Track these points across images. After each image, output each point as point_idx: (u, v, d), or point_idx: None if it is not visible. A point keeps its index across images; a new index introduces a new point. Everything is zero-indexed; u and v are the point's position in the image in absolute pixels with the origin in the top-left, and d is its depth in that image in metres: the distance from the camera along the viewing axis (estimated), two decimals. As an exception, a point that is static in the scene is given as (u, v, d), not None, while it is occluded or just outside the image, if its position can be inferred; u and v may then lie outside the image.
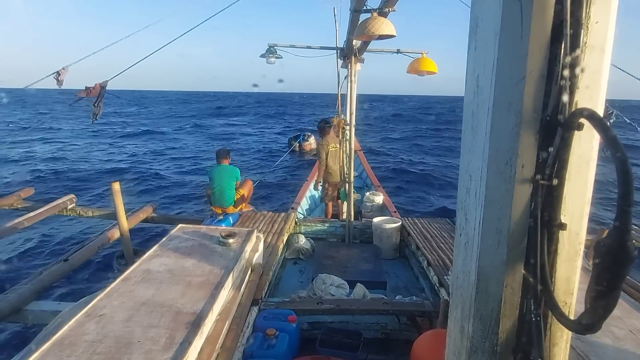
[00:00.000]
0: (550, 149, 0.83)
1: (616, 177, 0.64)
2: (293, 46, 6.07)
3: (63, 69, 4.23)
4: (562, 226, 0.86)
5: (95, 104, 4.22)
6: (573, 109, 0.80)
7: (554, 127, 0.81)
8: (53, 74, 4.17)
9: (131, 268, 2.78)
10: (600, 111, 0.81)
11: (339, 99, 6.64)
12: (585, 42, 0.79)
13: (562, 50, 0.78)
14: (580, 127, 0.79)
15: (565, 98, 0.79)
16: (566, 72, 0.79)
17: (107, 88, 4.24)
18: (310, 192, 7.88)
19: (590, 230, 0.94)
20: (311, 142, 16.11)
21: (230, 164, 5.79)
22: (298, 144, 15.62)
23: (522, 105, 0.82)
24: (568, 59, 0.78)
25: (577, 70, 0.79)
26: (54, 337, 1.98)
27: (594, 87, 0.82)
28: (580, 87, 0.80)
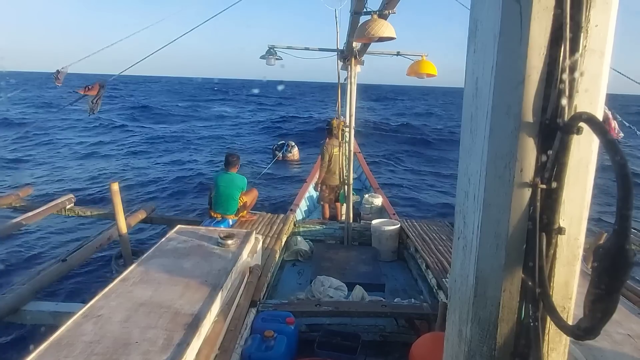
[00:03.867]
0: (549, 153, 0.82)
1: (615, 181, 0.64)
2: (293, 48, 6.08)
3: (63, 68, 4.26)
4: (561, 230, 0.85)
5: (94, 101, 4.26)
6: (572, 113, 0.80)
7: (553, 130, 0.81)
8: (53, 73, 4.20)
9: (130, 269, 2.77)
10: (600, 115, 0.81)
11: (339, 100, 6.64)
12: (585, 46, 0.79)
13: (562, 53, 0.78)
14: (579, 131, 0.79)
15: (564, 101, 0.79)
16: (565, 76, 0.78)
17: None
18: (310, 193, 7.87)
19: (588, 233, 0.94)
20: (294, 154, 16.17)
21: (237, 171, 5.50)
22: (282, 155, 15.65)
23: (521, 108, 0.81)
24: (567, 62, 0.78)
25: (577, 74, 0.79)
26: (52, 338, 1.97)
27: (593, 91, 0.82)
28: (580, 90, 0.80)
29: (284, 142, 16.74)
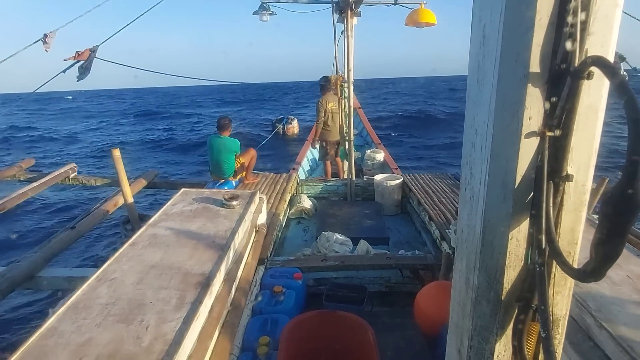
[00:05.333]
0: (559, 99, 0.80)
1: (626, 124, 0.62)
2: (286, 2, 5.86)
3: (51, 32, 4.11)
4: (569, 177, 0.85)
5: (84, 65, 4.17)
6: (583, 57, 0.77)
7: (563, 76, 0.79)
8: (40, 38, 4.06)
9: (138, 233, 2.82)
10: (611, 58, 0.79)
11: (336, 55, 6.47)
12: None
13: None
14: (590, 75, 0.76)
15: (575, 46, 0.76)
16: (577, 19, 0.75)
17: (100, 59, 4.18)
18: (311, 152, 7.86)
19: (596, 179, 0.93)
20: (294, 126, 16.26)
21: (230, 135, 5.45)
22: (282, 127, 15.69)
23: (530, 54, 0.79)
24: (578, 3, 0.75)
25: (588, 16, 0.76)
26: (69, 302, 2.03)
27: (604, 34, 0.79)
28: (591, 33, 0.77)
29: (283, 116, 16.73)
